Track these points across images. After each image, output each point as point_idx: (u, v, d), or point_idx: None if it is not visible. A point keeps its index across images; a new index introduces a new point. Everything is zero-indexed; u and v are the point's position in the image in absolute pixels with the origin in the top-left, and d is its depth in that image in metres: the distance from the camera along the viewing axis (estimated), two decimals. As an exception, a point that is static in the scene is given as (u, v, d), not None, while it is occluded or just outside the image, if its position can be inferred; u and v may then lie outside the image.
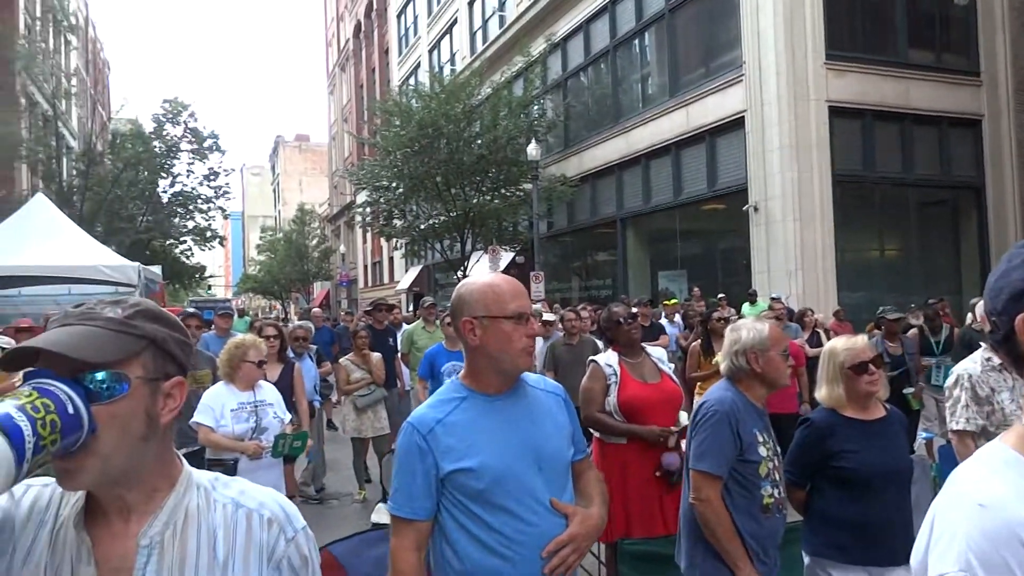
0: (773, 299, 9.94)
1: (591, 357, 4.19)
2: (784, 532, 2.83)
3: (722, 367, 2.91)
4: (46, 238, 12.24)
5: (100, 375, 1.07)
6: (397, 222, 21.57)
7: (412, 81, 30.03)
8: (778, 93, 13.16)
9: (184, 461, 1.22)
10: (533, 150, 16.89)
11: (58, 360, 1.04)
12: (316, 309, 16.02)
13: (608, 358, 4.08)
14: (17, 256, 11.58)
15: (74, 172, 27.30)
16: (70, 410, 1.01)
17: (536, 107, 19.98)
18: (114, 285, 12.01)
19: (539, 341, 8.46)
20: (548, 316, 8.90)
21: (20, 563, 1.09)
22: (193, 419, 4.33)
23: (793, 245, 13.03)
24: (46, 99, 26.78)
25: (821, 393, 3.01)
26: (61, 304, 13.52)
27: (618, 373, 3.97)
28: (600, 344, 6.99)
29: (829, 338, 7.16)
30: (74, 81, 30.38)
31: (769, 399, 2.93)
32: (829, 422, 2.93)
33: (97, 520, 1.12)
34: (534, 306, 12.81)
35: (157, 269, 14.79)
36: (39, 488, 1.16)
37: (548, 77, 20.67)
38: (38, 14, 29.44)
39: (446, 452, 1.90)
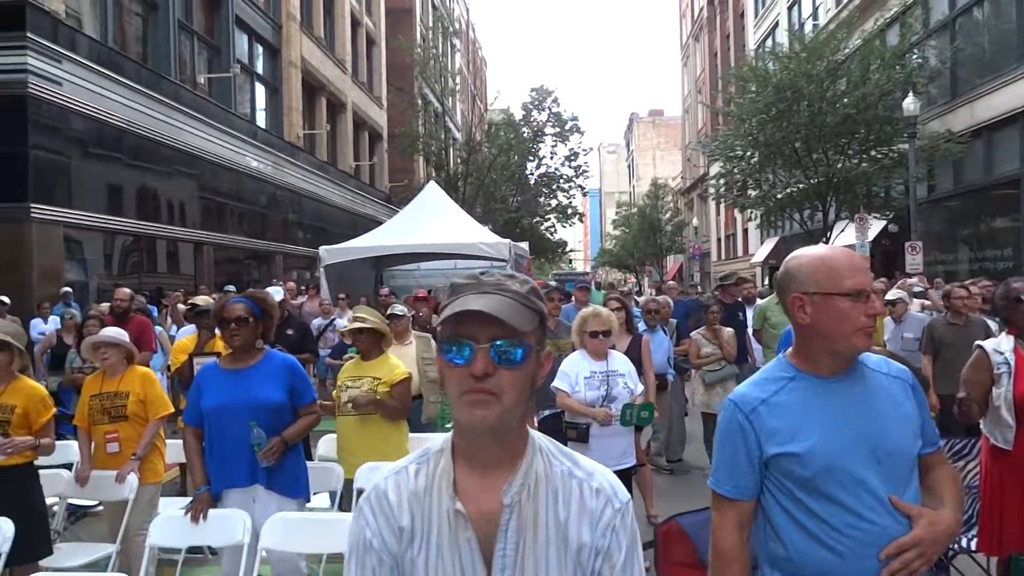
0: None
1: (978, 342, 3.61)
2: None
3: None
4: (437, 220, 14.15)
5: (516, 342, 1.21)
6: (752, 192, 20.78)
7: (769, 43, 28.49)
8: None
9: (527, 427, 1.34)
10: (911, 104, 14.96)
11: (476, 323, 1.20)
12: (671, 282, 16.18)
13: (1000, 343, 3.46)
14: (415, 236, 13.59)
15: (458, 161, 31.08)
16: None
17: (915, 55, 17.60)
18: (490, 260, 13.48)
19: (915, 320, 7.50)
20: (894, 294, 7.65)
21: (427, 539, 1.28)
22: (553, 383, 4.70)
23: None
24: (436, 98, 30.82)
25: None
26: (449, 277, 15.60)
27: (1011, 363, 3.35)
28: (993, 326, 6.02)
29: None
30: (458, 80, 34.45)
31: None
32: None
33: (465, 486, 1.28)
34: (911, 280, 11.40)
35: (525, 245, 16.20)
36: (397, 477, 1.33)
37: (931, 19, 18.06)
38: (430, 24, 33.92)
39: (771, 434, 1.79)
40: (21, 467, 3.82)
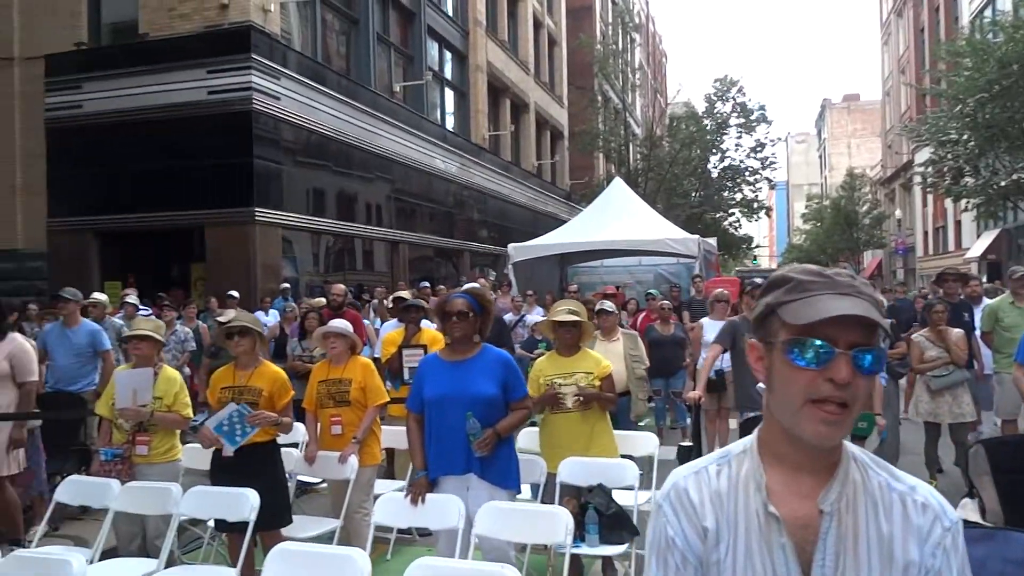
0: None
1: None
2: None
3: None
4: (621, 216, 14.07)
5: (871, 347, 1.15)
6: (968, 180, 18.83)
7: (988, 13, 25.64)
8: None
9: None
10: None
11: (836, 326, 1.13)
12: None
13: None
14: (599, 233, 13.60)
15: (638, 156, 30.69)
16: None
17: None
18: (676, 256, 13.21)
19: None
20: None
21: (735, 542, 1.23)
22: (758, 384, 4.48)
23: None
24: (616, 94, 30.60)
25: None
26: (634, 273, 15.48)
27: None
28: None
29: None
30: (638, 75, 34.00)
31: None
32: None
33: (775, 488, 1.22)
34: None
35: (713, 241, 15.70)
36: (697, 477, 1.28)
37: None
38: (609, 20, 33.76)
39: None
40: (267, 444, 4.23)
